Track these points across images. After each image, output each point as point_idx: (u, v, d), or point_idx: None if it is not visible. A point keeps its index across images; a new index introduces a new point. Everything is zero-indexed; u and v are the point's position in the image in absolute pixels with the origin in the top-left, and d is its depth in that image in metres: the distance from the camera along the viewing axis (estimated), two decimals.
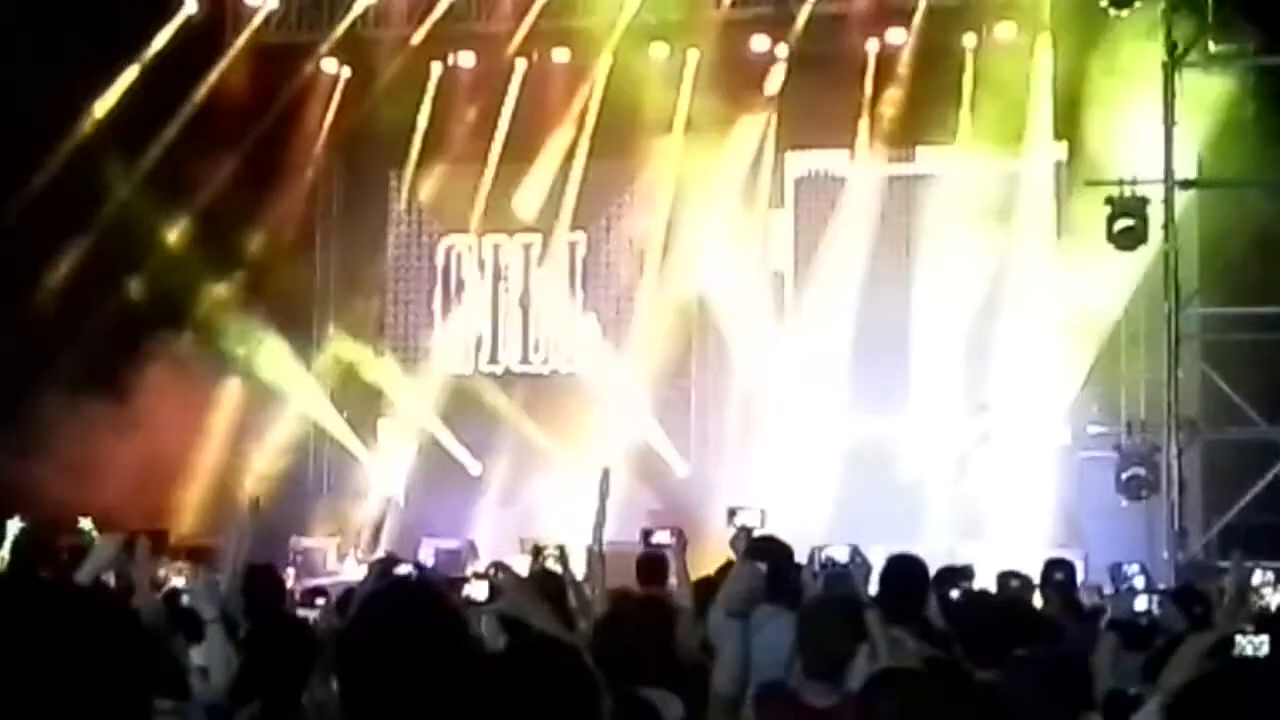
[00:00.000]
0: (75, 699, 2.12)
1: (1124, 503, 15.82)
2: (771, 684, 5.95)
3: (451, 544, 16.99)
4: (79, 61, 17.06)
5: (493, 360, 20.03)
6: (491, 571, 6.61)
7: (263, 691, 5.17)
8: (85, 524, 14.37)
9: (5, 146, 16.90)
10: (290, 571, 14.93)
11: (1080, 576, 13.38)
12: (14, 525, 14.44)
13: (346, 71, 19.87)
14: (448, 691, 2.79)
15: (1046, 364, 17.56)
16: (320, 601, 8.69)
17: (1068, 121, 17.22)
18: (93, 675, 2.13)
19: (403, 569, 9.94)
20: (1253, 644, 4.36)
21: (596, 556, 7.47)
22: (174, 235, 18.33)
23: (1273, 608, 8.02)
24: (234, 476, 18.15)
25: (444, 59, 19.52)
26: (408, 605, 3.00)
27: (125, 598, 5.69)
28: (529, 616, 4.62)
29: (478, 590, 5.39)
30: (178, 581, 6.51)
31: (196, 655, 5.87)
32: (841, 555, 7.06)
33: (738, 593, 5.68)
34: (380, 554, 15.69)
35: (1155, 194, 15.61)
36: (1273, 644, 4.33)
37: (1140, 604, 9.67)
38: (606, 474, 7.88)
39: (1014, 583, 9.85)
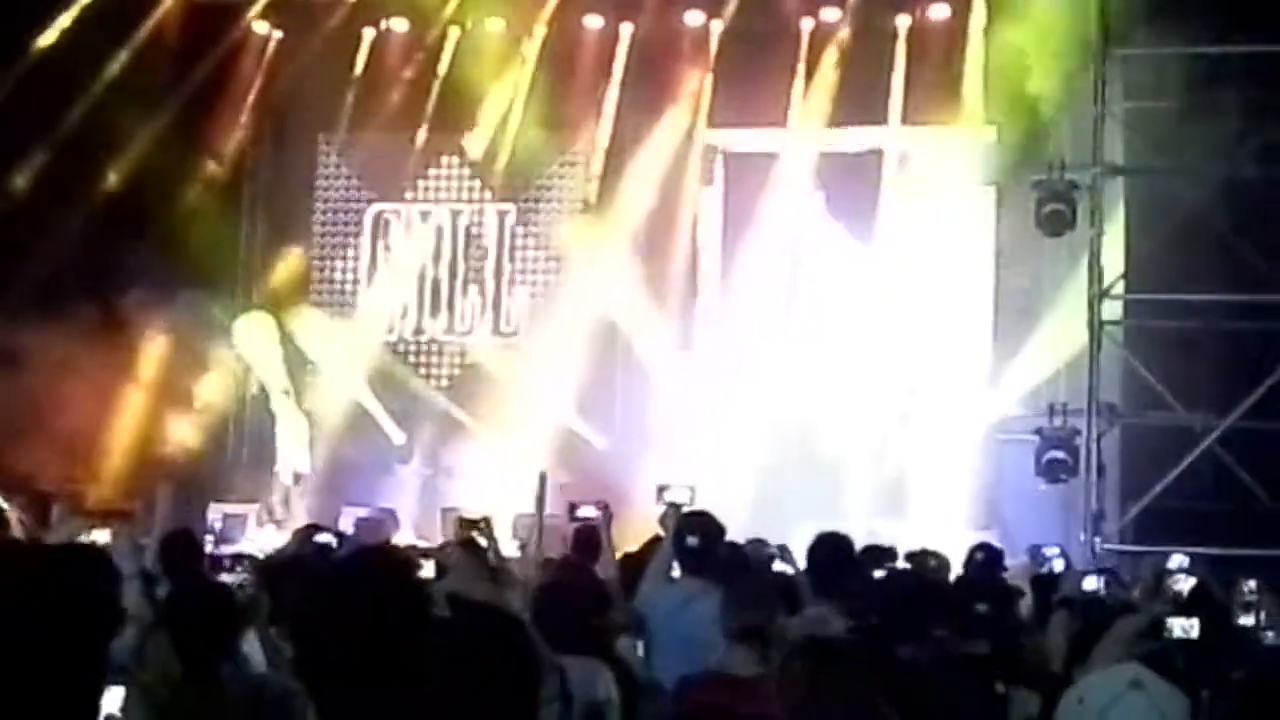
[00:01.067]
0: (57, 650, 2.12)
1: (1043, 486, 15.96)
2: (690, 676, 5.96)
3: (372, 513, 16.88)
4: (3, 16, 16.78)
5: (418, 330, 19.91)
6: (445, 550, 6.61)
7: (181, 655, 5.12)
8: None
9: None
10: (209, 538, 14.78)
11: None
12: None
13: (278, 33, 19.64)
14: (406, 664, 2.77)
15: (971, 346, 17.72)
16: (239, 568, 8.62)
17: (999, 105, 17.31)
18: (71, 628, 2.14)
19: (322, 537, 9.91)
20: (1183, 626, 4.42)
21: (533, 529, 7.48)
22: (98, 192, 17.99)
23: (1185, 593, 8.11)
24: (155, 442, 17.96)
25: (376, 24, 19.34)
26: (378, 576, 2.97)
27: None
28: (475, 593, 4.60)
29: (425, 569, 5.36)
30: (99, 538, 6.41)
31: None
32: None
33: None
34: (299, 522, 15.66)
35: (1084, 181, 15.74)
36: (1201, 627, 4.39)
37: (1090, 584, 9.74)
38: (544, 477, 7.90)
39: (931, 562, 9.95)
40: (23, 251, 17.13)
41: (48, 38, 17.94)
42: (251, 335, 19.32)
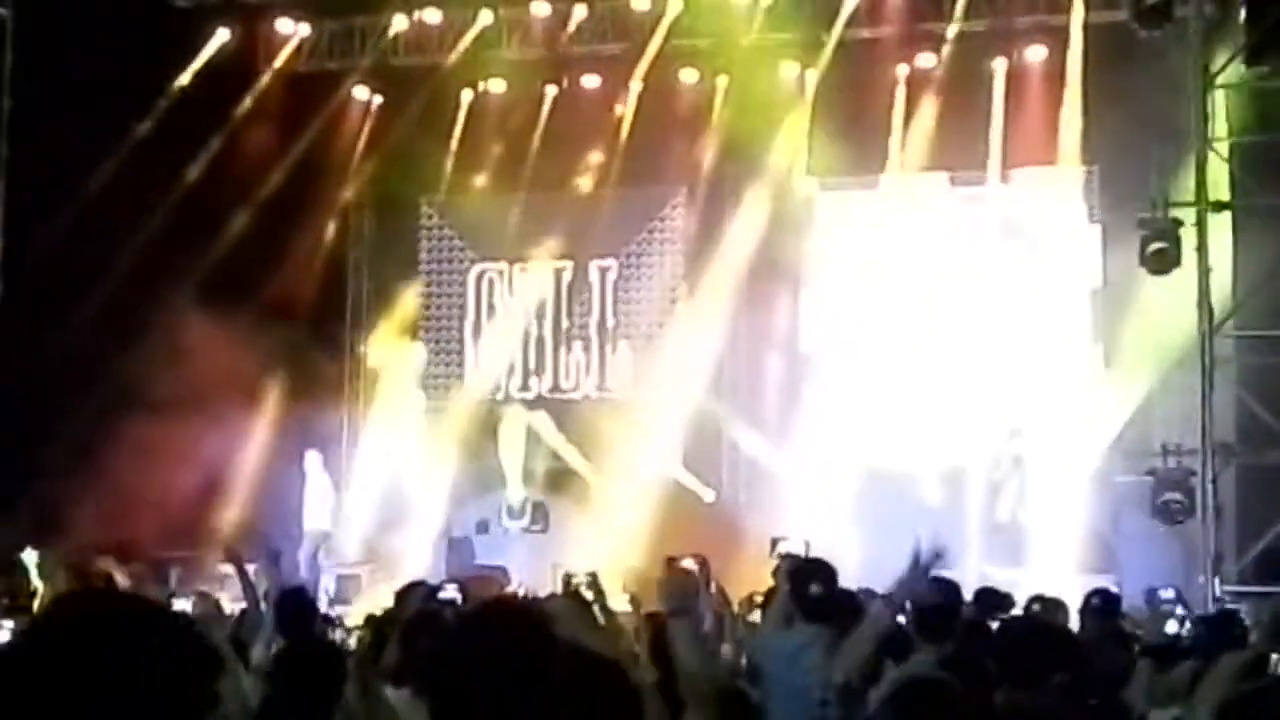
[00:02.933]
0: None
1: (1159, 528, 15.71)
2: None
3: (483, 570, 16.96)
4: (114, 93, 17.15)
5: (524, 388, 20.02)
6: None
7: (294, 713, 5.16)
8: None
9: (42, 176, 17.03)
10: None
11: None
12: (31, 555, 14.54)
13: (378, 99, 19.95)
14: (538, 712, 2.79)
15: (1080, 387, 17.52)
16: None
17: (1099, 144, 17.19)
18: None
19: (447, 593, 9.98)
20: None
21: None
22: (208, 265, 18.24)
23: None
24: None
25: (474, 86, 19.58)
26: (514, 626, 2.98)
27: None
28: (580, 639, 4.61)
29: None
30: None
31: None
32: None
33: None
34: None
35: (1188, 217, 15.54)
36: None
37: (1171, 627, 9.62)
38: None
39: (1036, 606, 9.81)
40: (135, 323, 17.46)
41: (154, 115, 18.37)
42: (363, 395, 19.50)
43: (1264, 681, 4.26)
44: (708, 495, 18.45)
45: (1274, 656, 4.36)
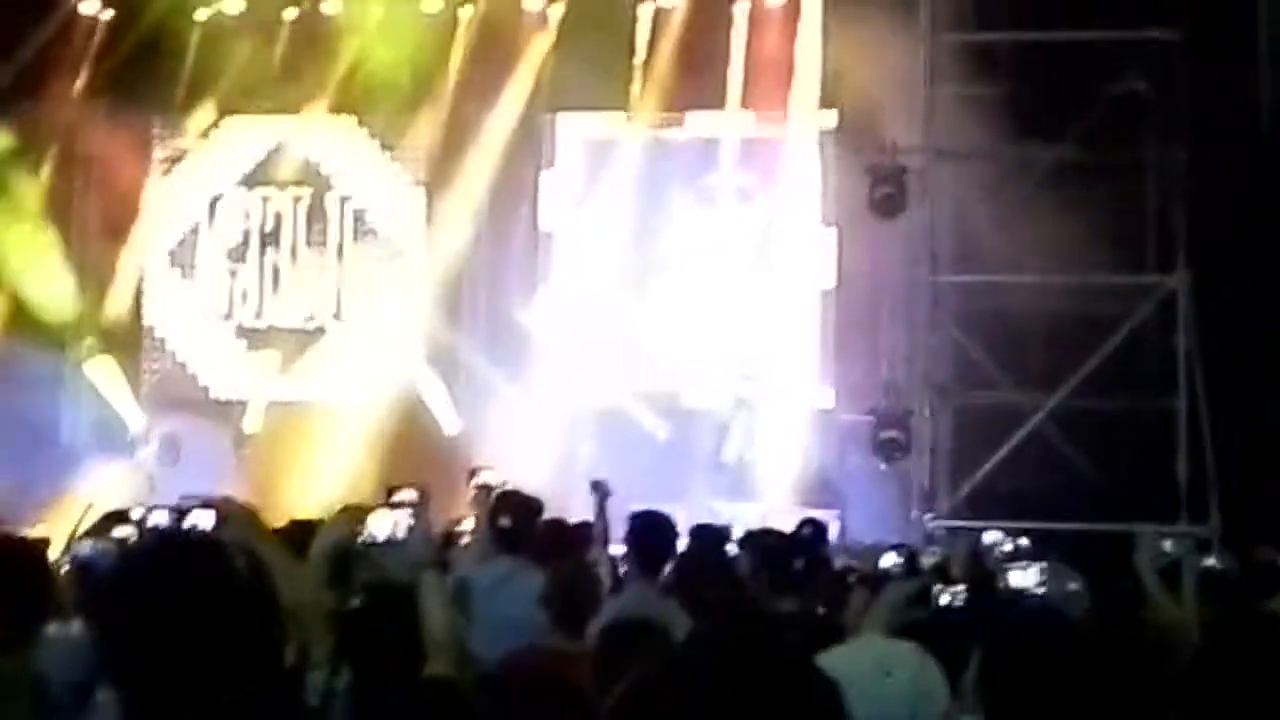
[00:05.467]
0: None
1: (881, 466, 16.18)
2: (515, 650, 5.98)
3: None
4: None
5: (257, 316, 19.66)
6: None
7: None
8: None
9: None
10: None
11: (835, 538, 13.75)
12: None
13: (107, 14, 19.25)
14: None
15: (808, 330, 17.91)
16: None
17: (835, 88, 17.51)
18: None
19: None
20: (951, 594, 4.50)
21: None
22: None
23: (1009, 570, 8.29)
24: None
25: (210, 4, 19.03)
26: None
27: None
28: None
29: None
30: None
31: None
32: None
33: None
34: None
35: (915, 163, 15.97)
36: (972, 598, 4.47)
37: (886, 561, 10.01)
38: (598, 484, 7.88)
39: (769, 540, 10.03)
40: None
41: None
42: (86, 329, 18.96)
43: (927, 611, 4.43)
44: (451, 427, 18.37)
45: (939, 588, 4.55)
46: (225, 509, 4.71)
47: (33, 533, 9.18)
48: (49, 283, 18.66)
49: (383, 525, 5.19)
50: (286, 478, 16.71)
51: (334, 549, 4.29)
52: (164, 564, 2.94)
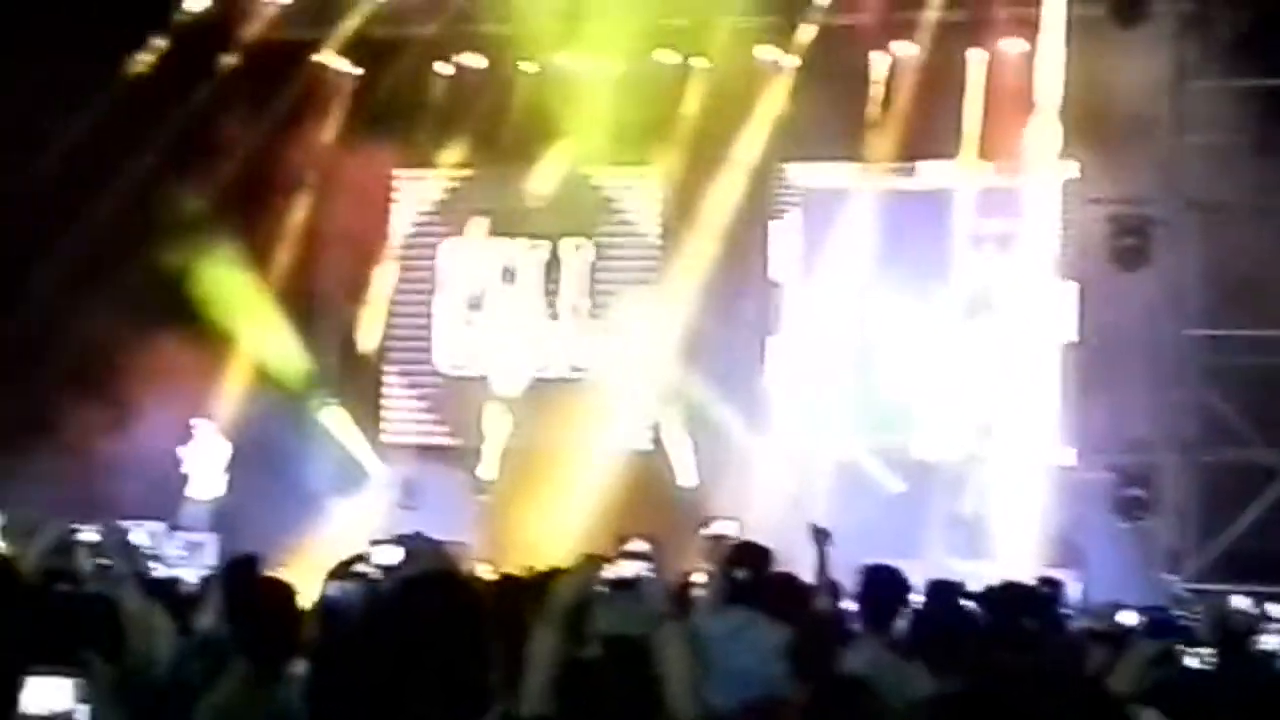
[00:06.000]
0: None
1: (1124, 525, 15.73)
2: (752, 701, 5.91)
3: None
4: (88, 56, 17.08)
5: (494, 365, 19.94)
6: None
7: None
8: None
9: (12, 137, 16.99)
10: None
11: (1076, 598, 13.38)
12: None
13: (353, 70, 19.84)
14: None
15: (1047, 383, 17.51)
16: None
17: (1074, 139, 17.16)
18: None
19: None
20: (1199, 656, 4.32)
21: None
22: (178, 229, 18.13)
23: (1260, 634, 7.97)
24: None
25: (451, 60, 19.47)
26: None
27: None
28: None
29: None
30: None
31: None
32: None
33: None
34: None
35: (1161, 214, 15.55)
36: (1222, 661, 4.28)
37: (1127, 619, 9.66)
38: (820, 531, 7.88)
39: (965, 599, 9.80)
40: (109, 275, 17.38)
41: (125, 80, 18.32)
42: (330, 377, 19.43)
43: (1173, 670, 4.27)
44: (688, 478, 18.39)
45: (1184, 649, 4.37)
46: (413, 549, 4.75)
47: (279, 574, 9.41)
48: (286, 336, 19.20)
49: (619, 576, 5.17)
50: (521, 525, 16.88)
51: (574, 599, 4.27)
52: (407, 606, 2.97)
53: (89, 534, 6.17)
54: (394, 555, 5.67)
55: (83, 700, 3.59)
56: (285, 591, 5.26)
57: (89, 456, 16.35)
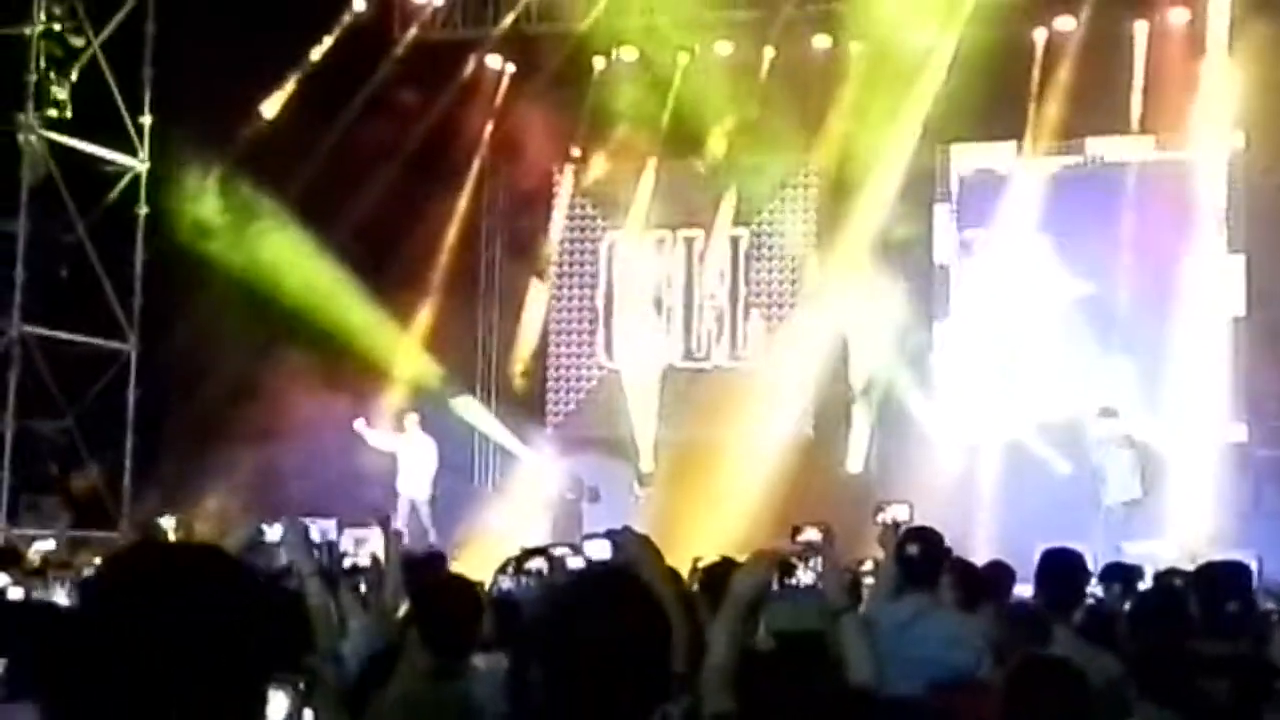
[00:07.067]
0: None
1: None
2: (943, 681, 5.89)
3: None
4: (249, 62, 17.45)
5: (653, 356, 20.03)
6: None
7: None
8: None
9: (187, 140, 17.44)
10: None
11: (1255, 579, 13.06)
12: (169, 520, 15.01)
13: (510, 67, 20.04)
14: None
15: (1218, 359, 17.13)
16: None
17: (1243, 109, 16.75)
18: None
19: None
20: None
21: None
22: (344, 235, 18.39)
23: None
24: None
25: (607, 54, 19.57)
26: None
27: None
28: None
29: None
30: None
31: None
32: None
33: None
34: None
35: None
36: None
37: None
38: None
39: (1176, 581, 9.61)
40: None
41: (290, 84, 18.73)
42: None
43: None
44: (855, 464, 18.31)
45: None
46: (621, 541, 4.76)
47: (452, 567, 9.57)
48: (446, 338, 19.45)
49: (791, 569, 5.16)
50: (688, 516, 16.90)
51: (753, 594, 4.26)
52: (587, 599, 3.01)
53: (274, 532, 6.29)
54: (603, 549, 5.70)
55: (306, 706, 3.64)
56: (468, 586, 5.34)
57: (257, 460, 16.70)
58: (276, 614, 2.28)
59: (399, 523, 16.86)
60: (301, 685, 3.66)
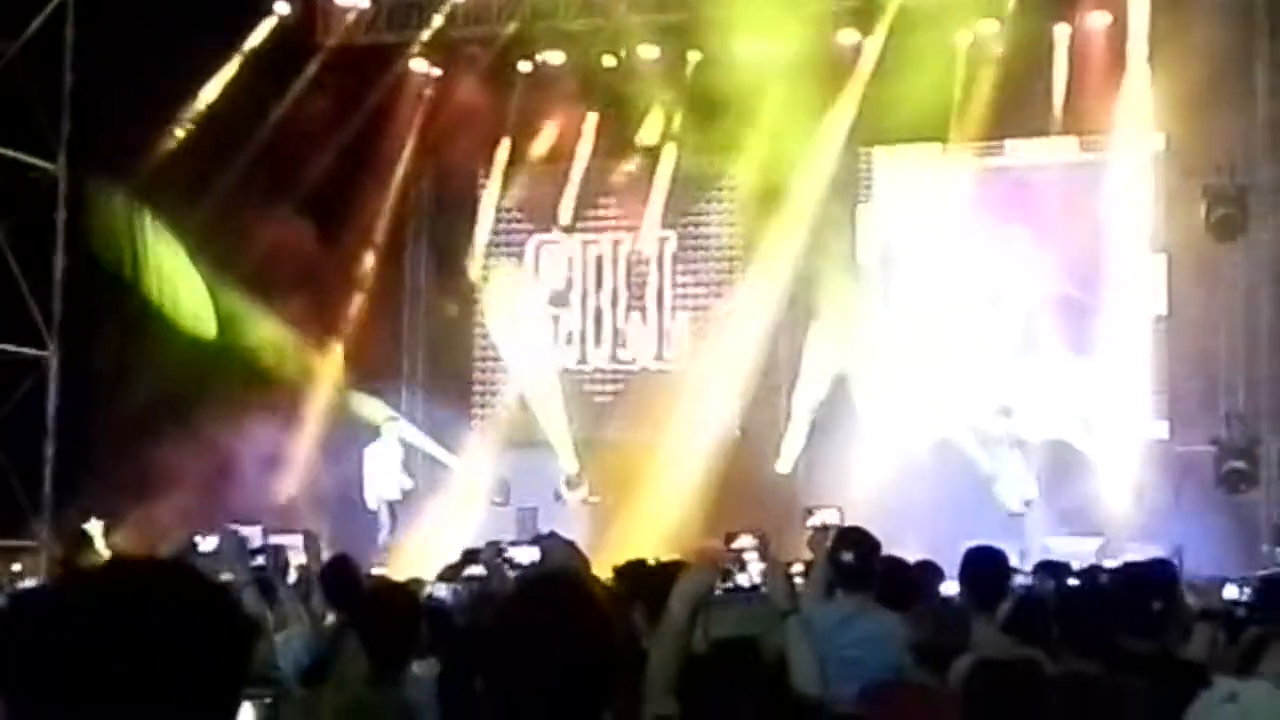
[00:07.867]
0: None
1: (1221, 499, 15.56)
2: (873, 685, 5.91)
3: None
4: (170, 68, 17.29)
5: (581, 360, 20.04)
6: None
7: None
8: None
9: (104, 152, 17.24)
10: None
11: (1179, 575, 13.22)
12: (96, 525, 14.85)
13: (436, 71, 19.97)
14: None
15: (1140, 358, 17.34)
16: None
17: (1164, 111, 16.96)
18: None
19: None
20: None
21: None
22: (266, 240, 18.25)
23: None
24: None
25: (533, 58, 19.55)
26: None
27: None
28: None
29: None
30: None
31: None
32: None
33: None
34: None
35: (1256, 183, 15.35)
36: None
37: (1230, 592, 9.53)
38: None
39: (1102, 578, 9.73)
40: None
41: (212, 90, 18.55)
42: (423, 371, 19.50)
43: None
44: (784, 465, 18.36)
45: None
46: (548, 546, 4.76)
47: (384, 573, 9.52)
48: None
49: (729, 573, 5.20)
50: (618, 518, 16.92)
51: (696, 598, 4.26)
52: (532, 607, 3.00)
53: (208, 542, 6.26)
54: (531, 555, 5.71)
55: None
56: (407, 594, 5.34)
57: (183, 467, 16.57)
58: (246, 629, 2.25)
59: (382, 520, 17.09)
60: (268, 700, 3.65)
